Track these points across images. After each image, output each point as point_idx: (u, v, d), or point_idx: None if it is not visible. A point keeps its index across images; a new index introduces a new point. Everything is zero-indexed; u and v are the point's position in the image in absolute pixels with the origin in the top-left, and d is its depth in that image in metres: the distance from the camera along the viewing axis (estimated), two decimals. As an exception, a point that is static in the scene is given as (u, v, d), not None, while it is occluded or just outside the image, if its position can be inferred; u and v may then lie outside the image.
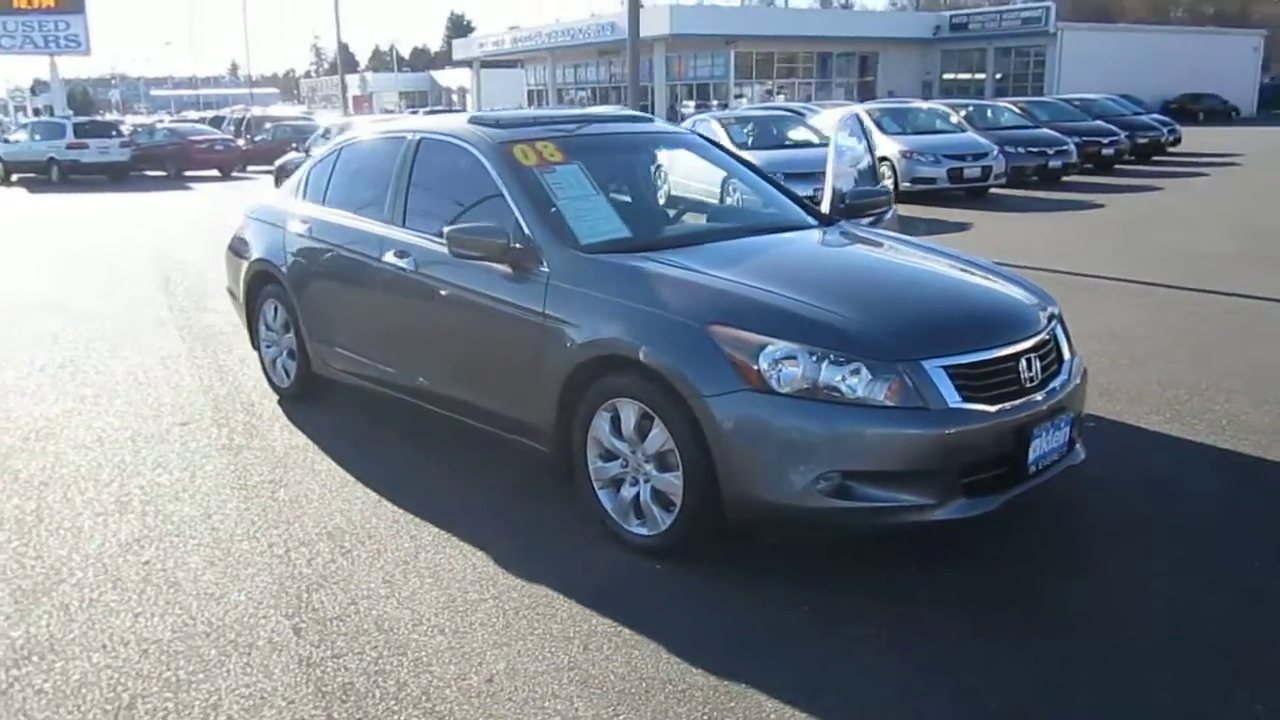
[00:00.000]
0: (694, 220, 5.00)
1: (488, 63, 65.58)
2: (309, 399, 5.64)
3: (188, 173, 26.98)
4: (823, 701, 2.84)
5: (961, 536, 3.72)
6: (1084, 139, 19.48)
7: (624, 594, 3.47)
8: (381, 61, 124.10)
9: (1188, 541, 3.80)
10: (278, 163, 18.55)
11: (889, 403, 3.31)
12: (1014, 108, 20.67)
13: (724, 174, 5.17)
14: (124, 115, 73.78)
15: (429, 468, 4.71)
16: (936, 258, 4.37)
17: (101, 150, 25.29)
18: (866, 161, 7.41)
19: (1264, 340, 6.72)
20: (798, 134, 15.13)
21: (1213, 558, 3.68)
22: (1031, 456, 3.51)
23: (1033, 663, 3.02)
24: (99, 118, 38.89)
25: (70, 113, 32.64)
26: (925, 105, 19.87)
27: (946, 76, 52.97)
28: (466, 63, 68.28)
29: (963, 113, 18.64)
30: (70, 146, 24.84)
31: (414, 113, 37.64)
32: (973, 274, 4.15)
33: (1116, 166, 20.69)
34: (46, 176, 25.14)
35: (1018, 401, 3.51)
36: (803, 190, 5.57)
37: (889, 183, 12.99)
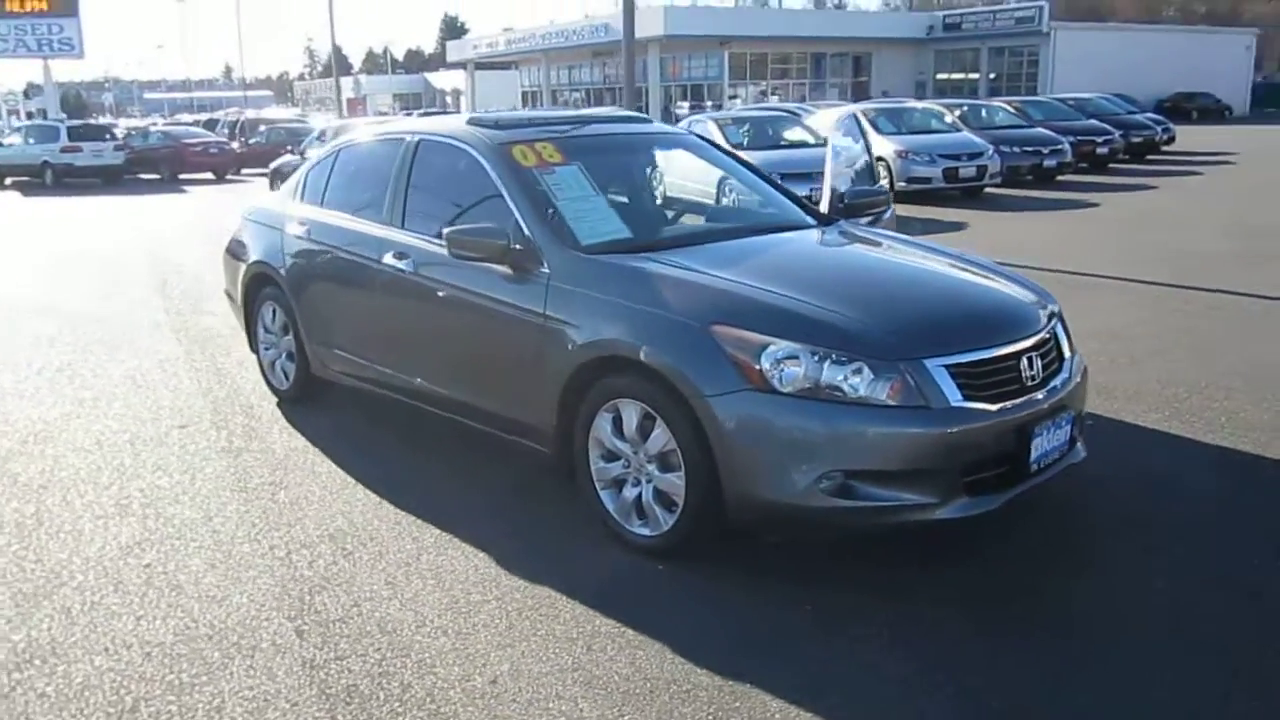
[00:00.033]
0: (693, 220, 5.00)
1: (482, 64, 65.58)
2: (308, 401, 5.64)
3: (182, 176, 26.93)
4: (826, 701, 2.84)
5: (963, 535, 3.72)
6: (1079, 138, 19.53)
7: (626, 594, 3.47)
8: (375, 63, 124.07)
9: (1188, 540, 3.81)
10: (272, 165, 18.54)
11: (891, 402, 3.31)
12: (1008, 107, 20.73)
13: (723, 174, 5.17)
14: (117, 118, 73.68)
15: (429, 469, 4.71)
16: (936, 257, 4.38)
17: (95, 153, 25.25)
18: (863, 161, 7.42)
19: (1262, 338, 6.74)
20: (793, 134, 15.13)
21: (1212, 556, 3.69)
22: (1033, 455, 3.51)
23: (1034, 662, 3.03)
24: (93, 121, 38.82)
25: (64, 116, 32.63)
26: (920, 105, 19.90)
27: (940, 76, 53.09)
28: (460, 64, 68.30)
29: (957, 112, 18.68)
30: (64, 150, 24.81)
31: (408, 114, 37.64)
32: (973, 273, 4.16)
33: (1111, 165, 20.74)
34: (40, 180, 25.11)
35: (1019, 400, 3.51)
36: (799, 190, 5.57)
37: (885, 183, 12.99)
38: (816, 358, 3.32)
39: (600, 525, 3.88)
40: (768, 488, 3.37)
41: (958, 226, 12.92)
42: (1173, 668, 2.98)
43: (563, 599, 3.44)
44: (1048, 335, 3.78)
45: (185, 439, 5.22)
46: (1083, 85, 33.00)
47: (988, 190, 16.35)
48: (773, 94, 49.08)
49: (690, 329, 3.48)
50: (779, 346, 3.34)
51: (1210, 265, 9.58)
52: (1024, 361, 3.57)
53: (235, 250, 6.01)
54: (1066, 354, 3.91)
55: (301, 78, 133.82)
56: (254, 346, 5.98)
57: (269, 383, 5.89)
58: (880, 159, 14.90)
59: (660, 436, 3.56)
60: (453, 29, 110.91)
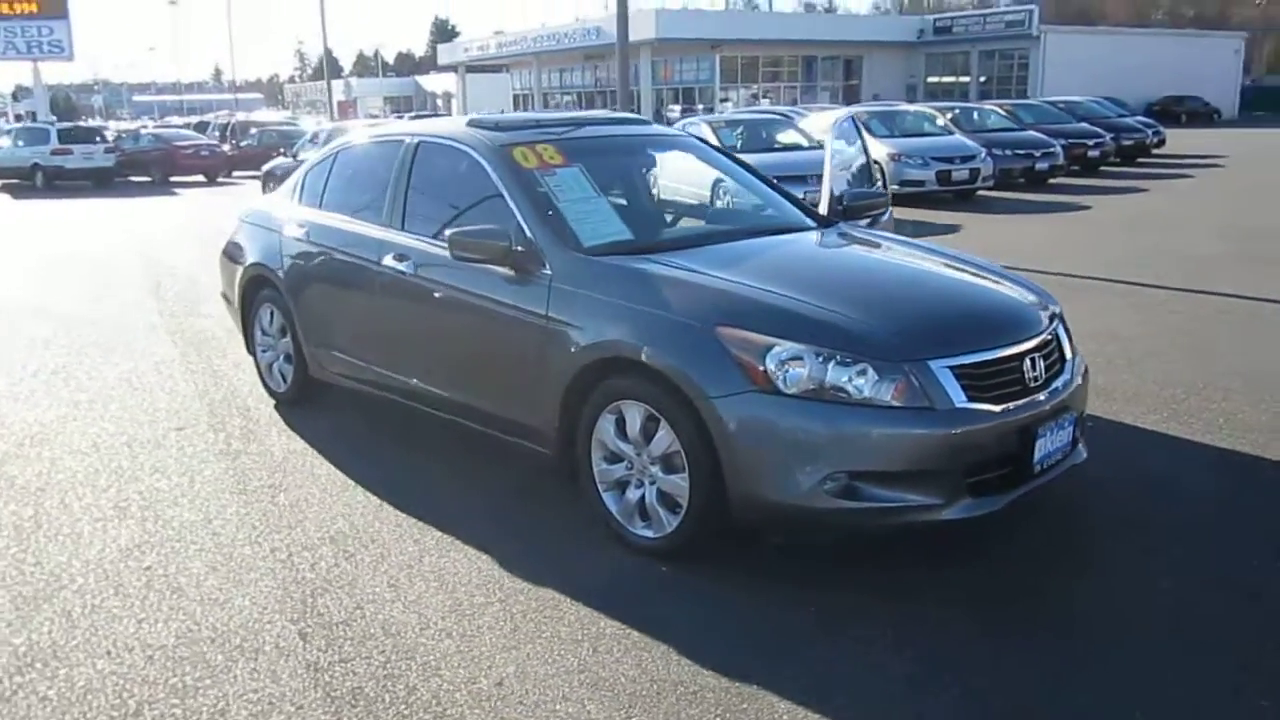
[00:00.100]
0: (693, 222, 5.00)
1: (473, 67, 65.57)
2: (306, 403, 5.62)
3: (173, 178, 26.80)
4: (833, 702, 2.84)
5: (965, 536, 3.73)
6: (1070, 141, 19.61)
7: (630, 596, 3.47)
8: (366, 66, 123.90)
9: (1188, 541, 3.82)
10: (265, 168, 18.49)
11: (895, 403, 3.31)
12: (1000, 110, 20.78)
13: (722, 176, 5.17)
14: (107, 121, 73.39)
15: (429, 471, 4.69)
16: (937, 258, 4.38)
17: (86, 156, 25.15)
18: (859, 164, 7.43)
19: (1258, 340, 6.77)
20: (787, 137, 15.15)
21: (1213, 557, 3.69)
22: (1036, 456, 3.52)
23: (1038, 662, 3.03)
24: (83, 123, 38.67)
25: (53, 118, 32.48)
26: (912, 108, 19.96)
27: (931, 79, 53.22)
28: (451, 67, 68.29)
29: (949, 115, 18.73)
30: (55, 152, 24.70)
31: (399, 117, 37.56)
32: (974, 274, 4.17)
33: (1102, 168, 20.84)
34: (31, 182, 24.99)
35: (1022, 401, 3.52)
36: (793, 193, 5.57)
37: (879, 185, 13.00)
38: (821, 359, 3.32)
39: (602, 527, 3.87)
40: (772, 489, 3.36)
41: (951, 229, 12.95)
42: (1175, 668, 2.98)
43: (566, 601, 3.43)
44: (1050, 336, 3.79)
45: (183, 441, 5.20)
46: (1072, 88, 33.10)
47: (980, 193, 16.41)
48: (764, 97, 49.17)
49: (695, 330, 3.48)
50: (783, 348, 3.34)
51: (1204, 267, 9.61)
52: (1027, 362, 3.58)
53: (232, 252, 5.98)
54: (1068, 355, 3.92)
55: (292, 80, 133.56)
56: (251, 349, 5.96)
57: (266, 385, 5.87)
58: (875, 162, 14.92)
59: (664, 438, 3.56)
60: (443, 32, 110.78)
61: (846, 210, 5.23)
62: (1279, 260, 9.97)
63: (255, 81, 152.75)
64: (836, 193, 5.78)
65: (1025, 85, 47.44)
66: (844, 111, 11.53)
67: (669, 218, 5.01)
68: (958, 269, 4.23)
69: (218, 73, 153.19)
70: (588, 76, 56.05)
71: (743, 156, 8.33)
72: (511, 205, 4.18)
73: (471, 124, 4.73)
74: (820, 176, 9.93)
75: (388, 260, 4.64)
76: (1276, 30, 73.00)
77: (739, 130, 15.30)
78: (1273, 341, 6.70)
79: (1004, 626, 3.25)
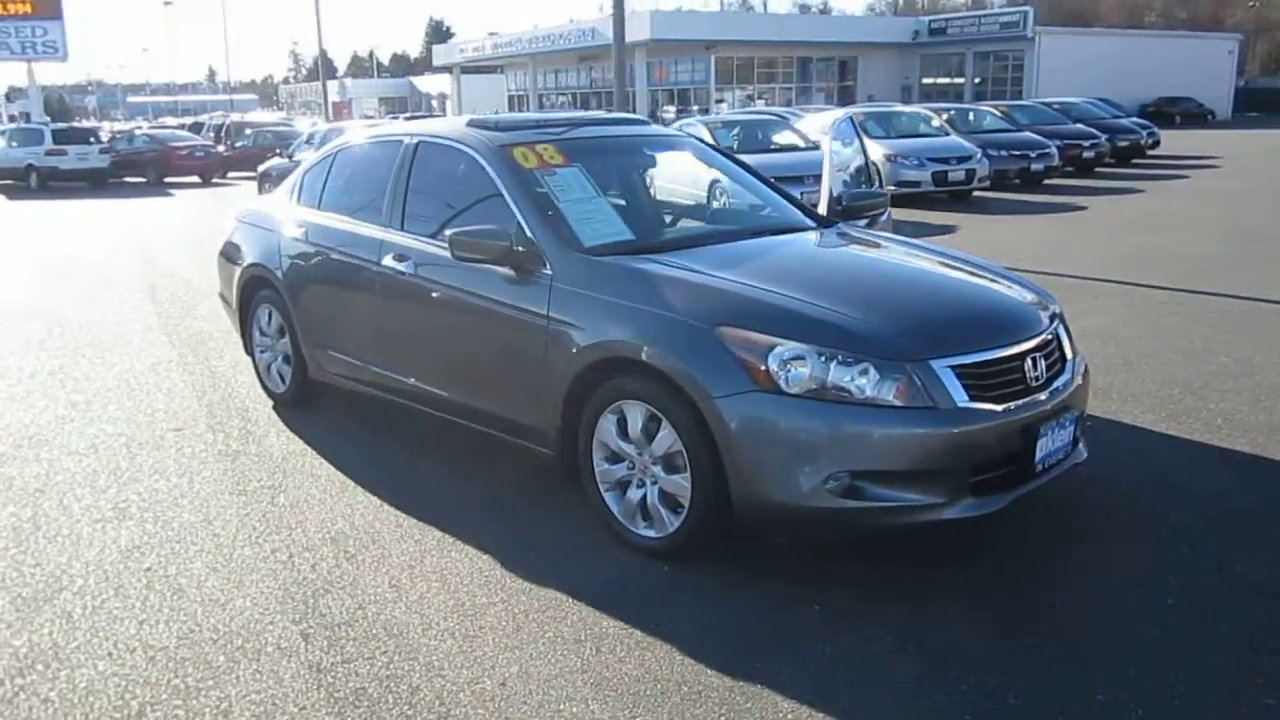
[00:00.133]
0: (693, 222, 4.99)
1: (468, 68, 65.52)
2: (304, 404, 5.61)
3: (168, 179, 26.79)
4: (840, 702, 2.83)
5: (967, 535, 3.73)
6: (1065, 142, 19.66)
7: (632, 595, 3.46)
8: (361, 67, 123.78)
9: (1191, 539, 3.82)
10: (260, 168, 18.49)
11: (898, 402, 3.31)
12: (995, 111, 20.83)
13: (722, 176, 5.17)
14: (101, 122, 73.27)
15: (429, 471, 4.69)
16: (937, 258, 4.39)
17: (80, 157, 25.12)
18: (856, 164, 7.44)
19: (1254, 340, 6.78)
20: (783, 138, 15.15)
21: (1217, 556, 3.69)
22: (1038, 455, 3.53)
23: (1048, 659, 3.03)
24: (77, 124, 38.58)
25: (48, 119, 32.40)
26: (908, 109, 19.99)
27: (926, 81, 53.30)
28: (446, 68, 68.20)
29: (945, 116, 18.76)
30: (49, 153, 24.68)
31: (394, 118, 37.54)
32: (974, 274, 4.17)
33: (1097, 169, 20.89)
34: (25, 183, 24.96)
35: (1023, 401, 3.52)
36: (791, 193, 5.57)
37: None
38: (823, 358, 3.32)
39: (602, 526, 3.87)
40: (775, 489, 3.36)
41: (947, 229, 12.97)
42: (1186, 665, 2.98)
43: (568, 600, 3.43)
44: (1050, 336, 3.80)
45: (181, 442, 5.19)
46: (1067, 90, 33.18)
47: (976, 194, 16.44)
48: (759, 98, 49.20)
49: (697, 330, 3.48)
50: (786, 347, 3.34)
51: (1200, 268, 9.63)
52: (1028, 362, 3.58)
53: (230, 253, 5.97)
54: (1069, 355, 3.92)
55: (286, 81, 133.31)
56: (249, 350, 5.95)
57: (264, 386, 5.86)
58: (871, 163, 14.93)
59: (666, 438, 3.56)
60: (438, 33, 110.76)
61: (846, 210, 5.24)
62: (1275, 261, 10.00)
63: (249, 83, 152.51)
64: (835, 193, 5.79)
65: (1020, 87, 47.52)
66: (841, 112, 11.54)
67: (669, 218, 5.00)
68: (958, 269, 4.24)
69: (212, 74, 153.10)
70: (583, 77, 56.04)
71: (740, 157, 8.33)
72: (512, 205, 4.18)
73: (471, 124, 4.73)
74: (817, 177, 9.96)
75: (387, 260, 4.64)
76: (1270, 32, 73.31)
77: (735, 131, 15.31)
78: (1269, 342, 6.71)
79: (1009, 625, 3.25)
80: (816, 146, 13.72)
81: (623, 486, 3.79)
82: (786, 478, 3.34)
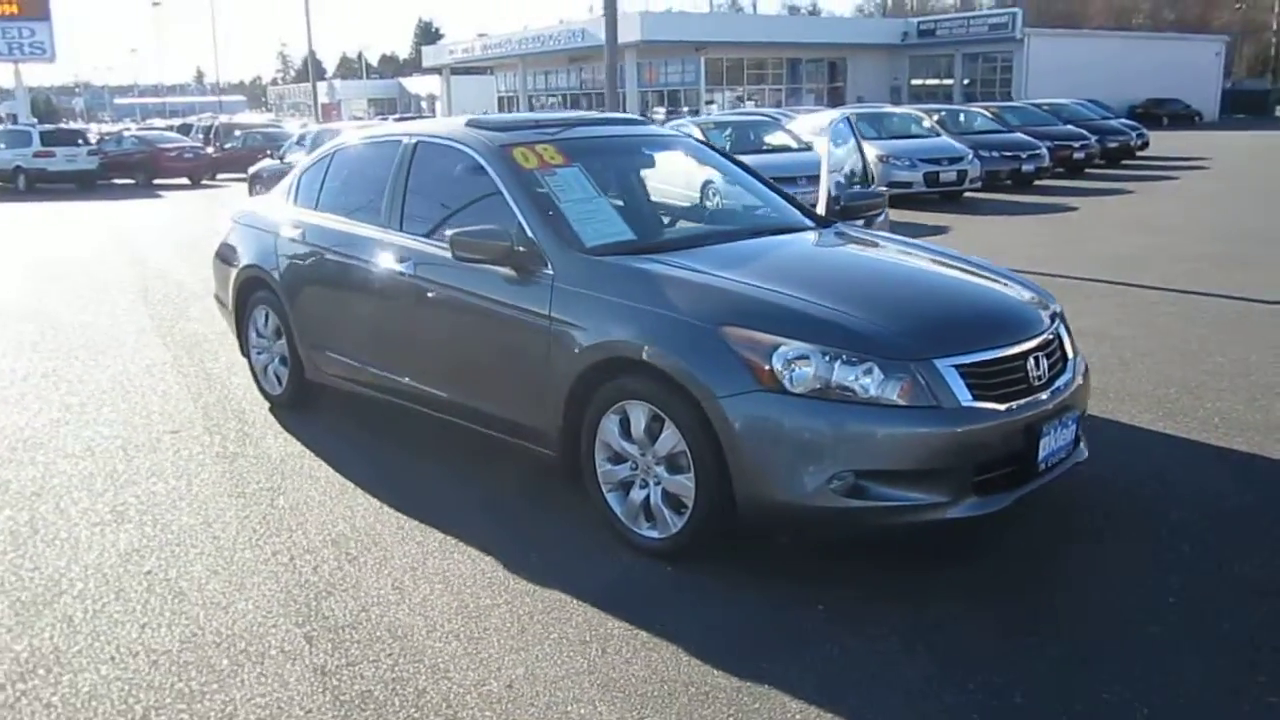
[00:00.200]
0: (693, 222, 4.99)
1: (458, 70, 65.45)
2: (301, 406, 5.58)
3: (157, 181, 26.66)
4: (848, 702, 2.83)
5: (968, 534, 3.74)
6: (1056, 143, 19.73)
7: (636, 596, 3.46)
8: (350, 69, 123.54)
9: (1193, 538, 3.83)
10: (251, 170, 18.42)
11: (902, 402, 3.31)
12: (986, 113, 20.90)
13: (721, 176, 5.17)
14: (88, 124, 72.94)
15: (428, 472, 4.67)
16: (937, 258, 4.40)
17: (69, 158, 24.98)
18: (850, 165, 7.45)
19: (1247, 339, 6.81)
20: (775, 139, 15.18)
21: (1218, 554, 3.70)
22: (1041, 454, 3.53)
23: (1052, 657, 3.03)
24: (66, 126, 38.40)
25: (35, 120, 32.23)
26: (899, 110, 20.03)
27: (915, 82, 53.41)
28: (436, 70, 68.11)
29: (935, 117, 18.81)
30: (37, 155, 24.53)
31: (383, 119, 37.45)
32: (974, 273, 4.18)
33: (1087, 170, 20.97)
34: (13, 185, 24.80)
35: (1025, 400, 3.53)
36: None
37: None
38: (827, 358, 3.32)
39: (605, 527, 3.86)
40: (779, 488, 3.36)
41: (939, 230, 12.99)
42: (1189, 663, 2.99)
43: (573, 601, 3.42)
44: (1052, 336, 3.80)
45: (178, 445, 5.16)
46: (1056, 91, 33.31)
47: (967, 194, 16.48)
48: (749, 100, 49.26)
49: (700, 330, 3.48)
50: (790, 347, 3.34)
51: (1192, 268, 9.68)
52: (1030, 361, 3.59)
53: (225, 254, 5.94)
54: (1070, 354, 3.93)
55: (275, 82, 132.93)
56: (245, 351, 5.92)
57: (261, 388, 5.83)
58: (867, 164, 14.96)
59: (669, 438, 3.55)
60: (427, 34, 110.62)
61: (844, 210, 5.24)
62: (1266, 261, 10.05)
63: (238, 84, 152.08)
64: (831, 194, 5.79)
65: (1009, 88, 47.67)
66: (836, 113, 11.56)
67: (669, 218, 5.00)
68: (959, 268, 4.24)
69: (200, 75, 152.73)
70: (573, 79, 56.02)
71: (737, 157, 8.33)
72: (512, 205, 4.17)
73: (470, 124, 4.72)
74: (810, 178, 9.98)
75: (386, 261, 4.62)
76: (1256, 33, 73.72)
77: (727, 132, 15.32)
78: (1263, 341, 6.75)
79: (1012, 624, 3.25)
80: (809, 147, 13.76)
81: (625, 487, 3.78)
82: (791, 477, 3.33)
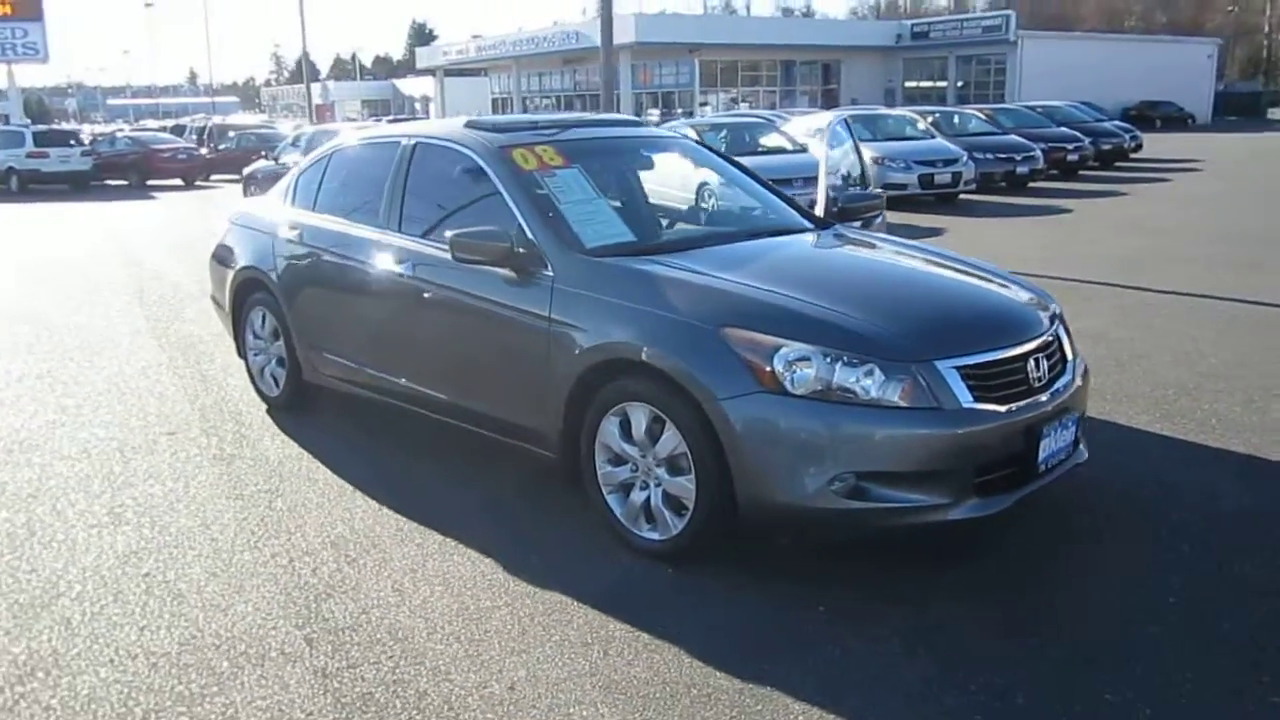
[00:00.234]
0: (692, 224, 4.98)
1: (451, 71, 65.33)
2: (298, 408, 5.57)
3: (150, 182, 26.61)
4: (849, 703, 2.83)
5: (968, 535, 3.74)
6: (1050, 145, 19.77)
7: (637, 598, 3.45)
8: (343, 70, 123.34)
9: (1192, 539, 3.83)
10: (246, 171, 18.37)
11: (903, 403, 3.31)
12: (980, 115, 20.94)
13: (719, 177, 5.17)
14: (80, 124, 72.70)
15: (427, 474, 4.66)
16: (936, 259, 4.40)
17: (62, 159, 24.93)
18: (846, 167, 7.45)
19: (1243, 341, 6.83)
20: (770, 140, 15.17)
21: (1219, 555, 3.71)
22: (1041, 456, 3.54)
23: (1054, 658, 3.03)
24: (59, 126, 38.29)
25: (28, 121, 32.12)
26: (894, 112, 20.06)
27: (909, 84, 53.52)
28: (430, 71, 67.99)
29: (930, 119, 18.85)
30: (30, 155, 24.47)
31: (377, 121, 37.41)
32: (974, 275, 4.18)
33: (1081, 172, 21.01)
34: (5, 186, 24.70)
35: (1026, 401, 3.53)
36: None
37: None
38: (829, 359, 3.32)
39: (604, 529, 3.85)
40: (780, 490, 3.36)
41: (934, 232, 13.01)
42: (1191, 664, 2.99)
43: (573, 603, 3.41)
44: (1051, 337, 3.81)
45: (175, 446, 5.14)
46: (1049, 94, 33.40)
47: (962, 196, 16.51)
48: (743, 101, 49.30)
49: (701, 331, 3.47)
50: (791, 348, 3.34)
51: (1187, 269, 9.70)
52: (1031, 363, 3.59)
53: (222, 256, 5.92)
54: (1069, 355, 3.93)
55: (268, 83, 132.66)
56: (242, 353, 5.90)
57: (258, 389, 5.81)
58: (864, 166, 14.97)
59: (670, 439, 3.55)
60: (421, 36, 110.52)
61: (842, 212, 5.25)
62: (1261, 263, 10.08)
63: (231, 85, 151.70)
64: (829, 195, 5.79)
65: (1002, 90, 47.78)
66: (832, 115, 11.56)
67: (668, 219, 4.99)
68: (958, 270, 4.25)
69: (193, 76, 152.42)
70: (567, 80, 55.99)
71: (736, 159, 8.34)
72: (512, 207, 4.16)
73: (469, 125, 4.70)
74: (805, 179, 9.98)
75: (385, 262, 4.61)
76: (1248, 36, 74.02)
77: (723, 134, 15.32)
78: (1258, 343, 6.76)
79: (1013, 625, 3.26)
80: (804, 149, 13.77)
81: (626, 489, 3.78)
82: (792, 479, 3.33)
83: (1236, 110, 56.25)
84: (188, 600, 3.50)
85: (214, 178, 27.98)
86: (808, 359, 3.33)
